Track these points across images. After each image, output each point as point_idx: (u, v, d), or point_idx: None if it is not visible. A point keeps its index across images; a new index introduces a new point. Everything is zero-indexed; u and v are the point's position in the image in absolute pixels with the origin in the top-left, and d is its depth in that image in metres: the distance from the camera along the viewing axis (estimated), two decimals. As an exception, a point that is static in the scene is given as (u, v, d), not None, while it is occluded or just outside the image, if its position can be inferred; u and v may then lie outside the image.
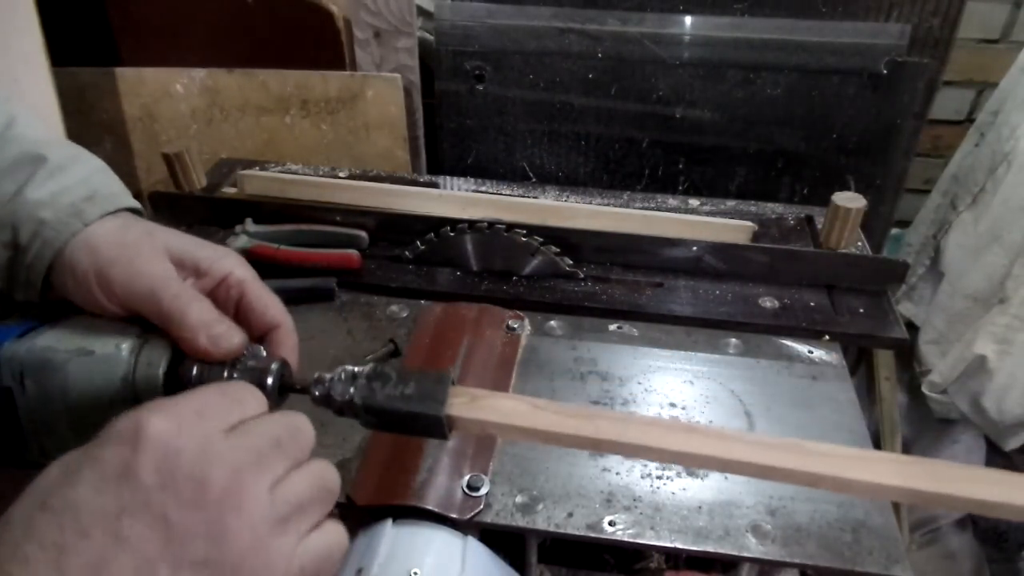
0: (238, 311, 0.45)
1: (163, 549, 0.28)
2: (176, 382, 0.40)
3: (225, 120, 1.13)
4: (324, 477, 0.33)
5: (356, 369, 0.40)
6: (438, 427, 0.39)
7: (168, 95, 1.11)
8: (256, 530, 0.30)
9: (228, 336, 0.40)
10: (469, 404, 0.39)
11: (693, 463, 0.43)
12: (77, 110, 1.06)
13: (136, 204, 0.45)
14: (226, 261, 0.44)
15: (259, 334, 0.45)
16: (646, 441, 0.38)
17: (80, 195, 0.42)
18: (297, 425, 0.34)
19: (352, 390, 0.39)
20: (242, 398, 0.34)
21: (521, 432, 0.39)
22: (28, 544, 0.27)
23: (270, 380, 0.40)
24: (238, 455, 0.31)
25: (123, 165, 1.13)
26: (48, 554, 0.27)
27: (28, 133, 0.45)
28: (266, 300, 0.45)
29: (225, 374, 0.40)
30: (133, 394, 0.39)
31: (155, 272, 0.40)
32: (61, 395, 0.38)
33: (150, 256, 0.41)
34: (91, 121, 1.11)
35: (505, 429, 0.39)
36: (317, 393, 0.40)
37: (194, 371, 0.40)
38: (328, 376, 0.40)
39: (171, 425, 0.30)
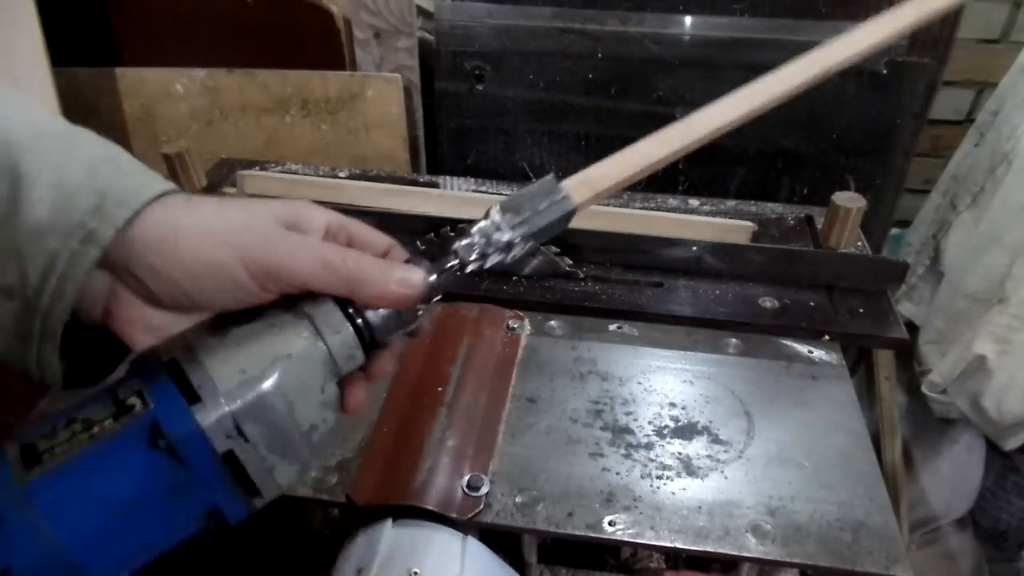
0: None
1: None
2: (360, 332, 0.38)
3: (225, 120, 1.13)
4: None
5: (481, 222, 0.41)
6: (568, 220, 0.43)
7: (168, 95, 1.11)
8: None
9: (410, 275, 0.38)
10: (580, 187, 0.44)
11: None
12: (77, 110, 1.06)
13: (159, 188, 0.36)
14: (311, 211, 0.40)
15: None
16: (712, 124, 0.48)
17: (86, 205, 0.33)
18: None
19: (502, 233, 0.40)
20: None
21: (627, 181, 0.49)
22: None
23: (434, 276, 0.39)
24: None
25: (123, 165, 1.13)
26: None
27: None
28: (370, 232, 0.42)
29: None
30: (336, 367, 0.37)
31: (312, 244, 0.37)
32: (285, 414, 0.36)
33: (280, 234, 0.37)
34: (91, 121, 1.10)
35: (613, 189, 0.47)
36: (474, 256, 0.40)
37: (368, 313, 0.38)
38: (466, 243, 0.40)
39: None
